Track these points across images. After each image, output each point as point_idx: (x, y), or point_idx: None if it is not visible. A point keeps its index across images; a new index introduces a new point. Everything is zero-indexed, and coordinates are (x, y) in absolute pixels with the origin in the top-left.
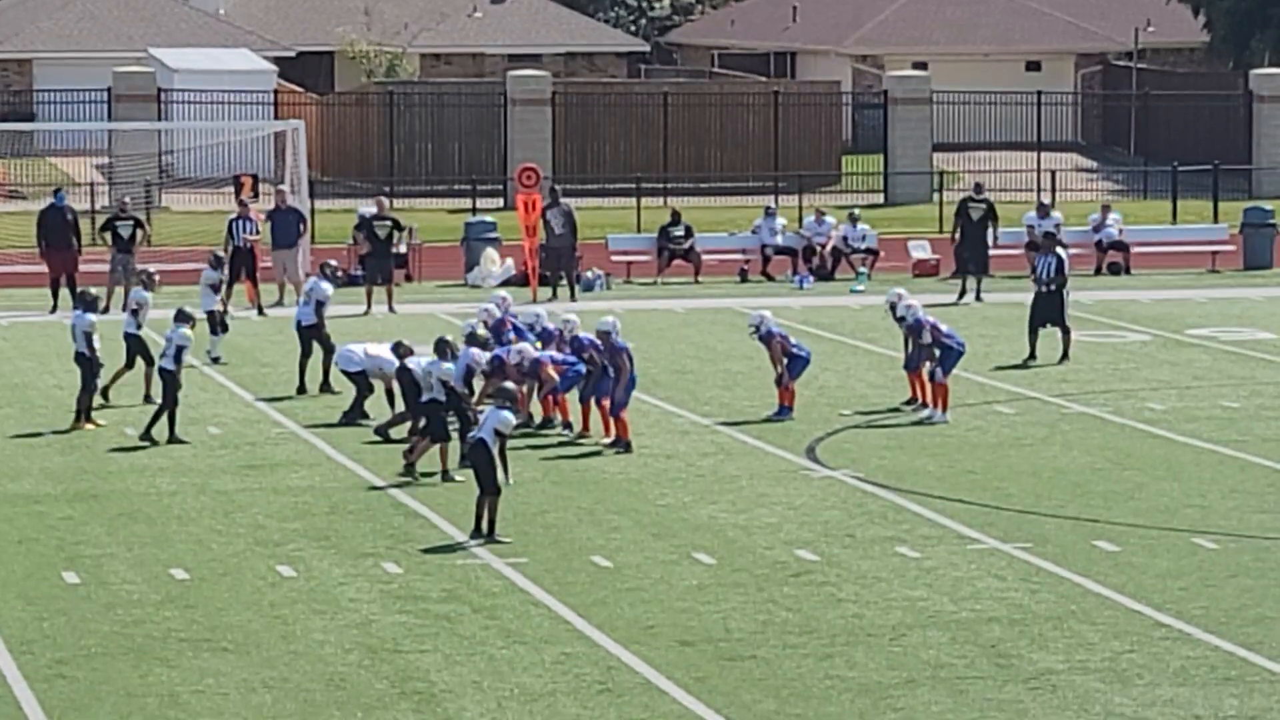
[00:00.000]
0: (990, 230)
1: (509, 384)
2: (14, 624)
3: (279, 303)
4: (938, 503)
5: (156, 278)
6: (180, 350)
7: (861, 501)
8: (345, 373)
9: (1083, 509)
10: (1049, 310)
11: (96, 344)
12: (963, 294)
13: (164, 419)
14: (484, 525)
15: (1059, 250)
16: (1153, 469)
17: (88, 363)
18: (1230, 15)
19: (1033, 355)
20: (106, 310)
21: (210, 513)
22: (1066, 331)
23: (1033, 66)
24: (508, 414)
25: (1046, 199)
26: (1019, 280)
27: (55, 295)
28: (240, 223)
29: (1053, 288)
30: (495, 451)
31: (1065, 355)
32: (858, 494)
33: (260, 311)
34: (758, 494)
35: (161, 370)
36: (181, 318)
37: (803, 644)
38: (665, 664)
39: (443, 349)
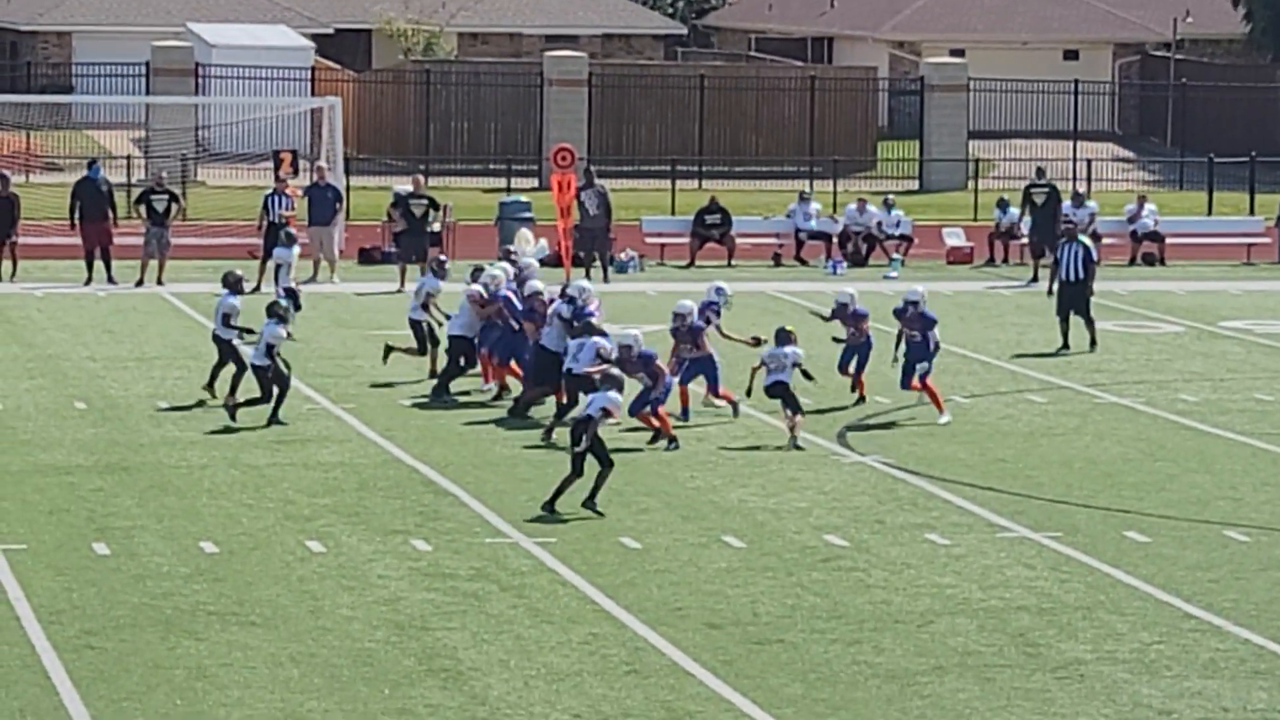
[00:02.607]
0: (1057, 213)
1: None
2: (43, 594)
3: (313, 279)
4: (968, 490)
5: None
6: (270, 347)
7: (892, 488)
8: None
9: (1114, 499)
10: (1075, 300)
11: (235, 322)
12: (1035, 278)
13: (267, 405)
14: (593, 495)
15: (1085, 240)
16: (1185, 461)
17: (224, 344)
18: (1270, 7)
19: (1065, 345)
20: (141, 283)
21: (241, 487)
22: (1091, 322)
23: (1070, 55)
24: (617, 394)
25: (1082, 188)
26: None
27: (90, 268)
28: (275, 198)
29: (1080, 278)
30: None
31: (1094, 343)
32: (888, 480)
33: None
34: (788, 478)
35: (254, 367)
36: (272, 313)
37: (831, 629)
38: (693, 646)
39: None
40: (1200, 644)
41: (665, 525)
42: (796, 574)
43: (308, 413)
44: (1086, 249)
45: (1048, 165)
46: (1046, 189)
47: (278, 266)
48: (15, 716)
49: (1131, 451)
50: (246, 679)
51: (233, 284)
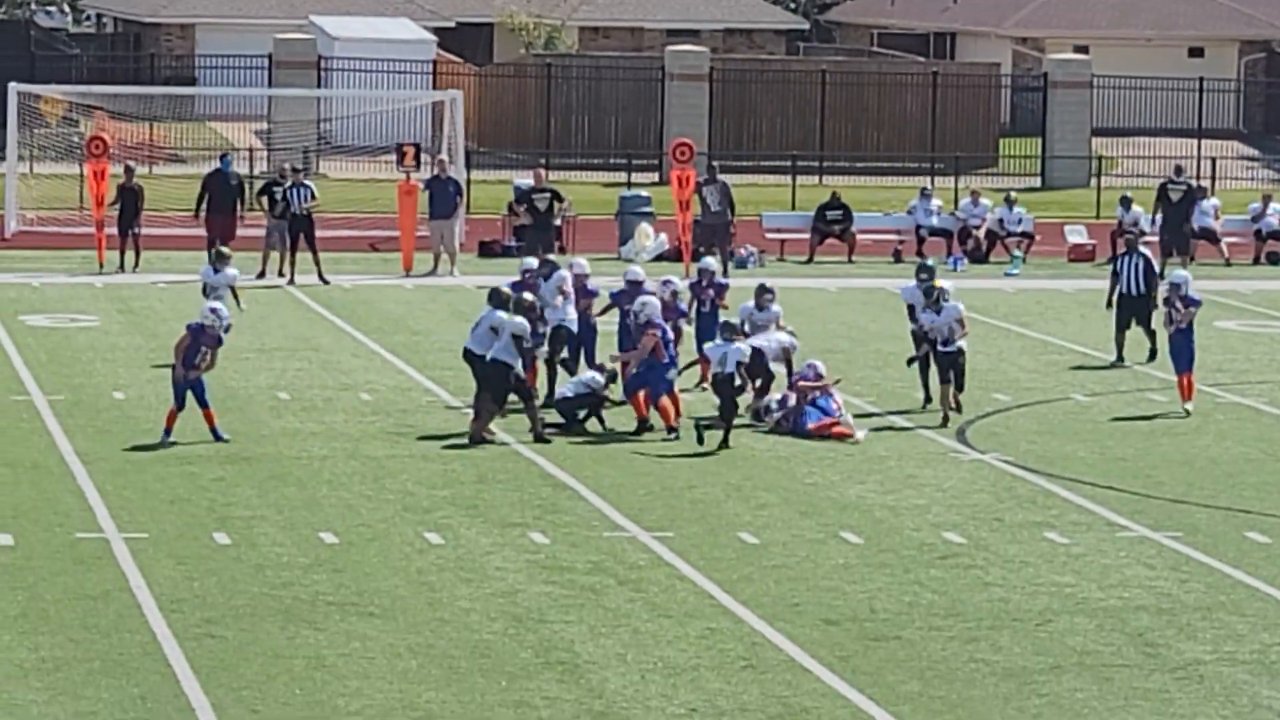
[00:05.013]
0: (1190, 213)
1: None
2: (164, 583)
3: (433, 272)
4: (1087, 489)
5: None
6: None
7: (1010, 485)
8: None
9: (1235, 499)
10: (1137, 313)
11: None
12: (1162, 276)
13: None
14: None
15: (1145, 252)
16: None
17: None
18: None
19: (1121, 358)
20: (263, 275)
21: (360, 478)
22: (1152, 334)
23: (1195, 52)
24: None
25: (1206, 185)
26: (1205, 266)
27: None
28: (296, 190)
29: (1142, 291)
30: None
31: (1154, 353)
32: (1007, 478)
33: (323, 280)
34: (906, 475)
35: (493, 361)
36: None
37: (948, 626)
38: (809, 642)
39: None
40: None
41: (783, 521)
42: (914, 571)
43: (427, 405)
44: (1148, 261)
45: (1173, 163)
46: (1183, 187)
47: (204, 285)
48: (136, 703)
49: (1253, 451)
50: (365, 669)
51: (503, 301)
